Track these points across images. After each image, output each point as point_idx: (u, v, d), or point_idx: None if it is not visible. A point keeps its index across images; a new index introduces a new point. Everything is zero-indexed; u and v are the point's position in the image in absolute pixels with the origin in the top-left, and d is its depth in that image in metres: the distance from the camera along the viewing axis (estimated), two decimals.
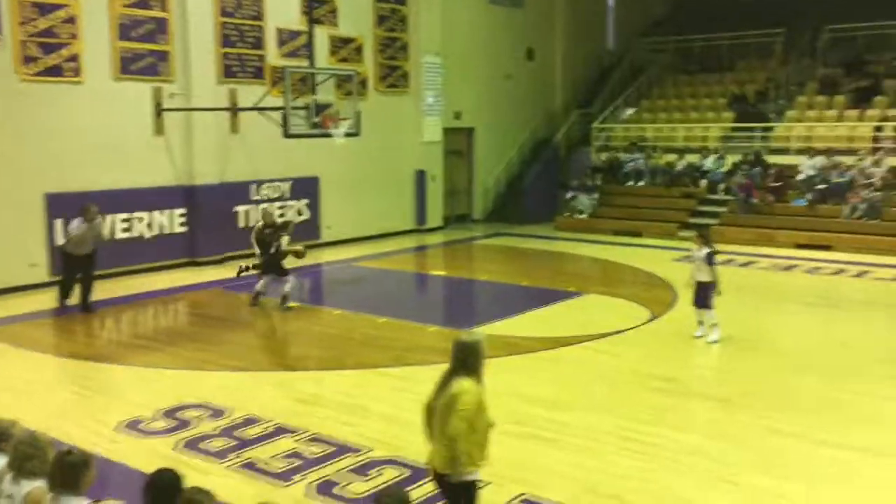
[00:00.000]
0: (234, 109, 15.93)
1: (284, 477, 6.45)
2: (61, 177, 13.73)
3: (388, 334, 10.96)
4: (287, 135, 14.23)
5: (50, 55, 13.56)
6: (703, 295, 10.21)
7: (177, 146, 15.53)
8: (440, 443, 4.71)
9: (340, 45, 18.33)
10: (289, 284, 12.32)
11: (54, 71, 13.64)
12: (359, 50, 18.79)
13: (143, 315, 12.49)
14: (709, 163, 20.60)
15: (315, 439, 7.18)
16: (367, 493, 6.08)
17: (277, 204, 16.88)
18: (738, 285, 13.07)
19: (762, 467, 6.62)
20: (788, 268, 15.74)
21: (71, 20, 13.80)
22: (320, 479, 6.40)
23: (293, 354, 10.84)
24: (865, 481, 6.39)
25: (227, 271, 15.24)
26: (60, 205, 13.52)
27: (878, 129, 19.28)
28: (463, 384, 4.65)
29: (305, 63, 15.67)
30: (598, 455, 6.88)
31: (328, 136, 14.58)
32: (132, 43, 14.65)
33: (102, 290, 12.65)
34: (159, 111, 15.07)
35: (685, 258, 12.15)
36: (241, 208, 16.53)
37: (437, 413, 4.75)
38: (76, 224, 11.91)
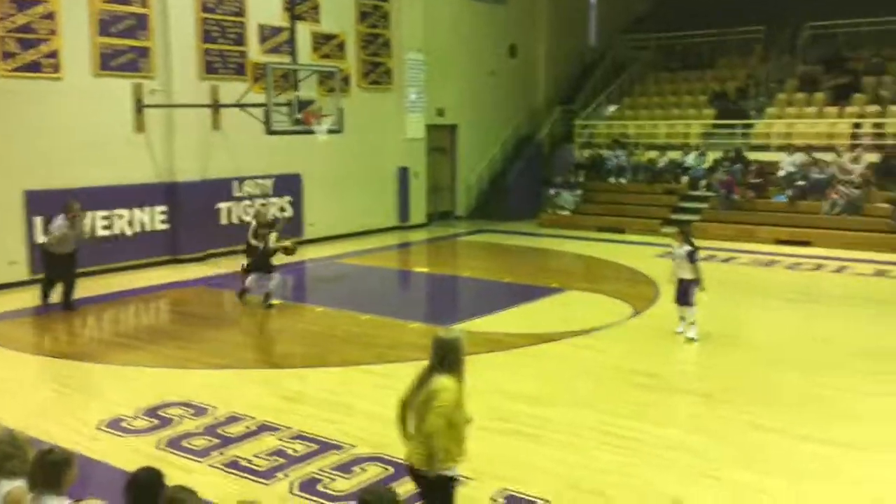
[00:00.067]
0: (215, 106, 15.85)
1: (268, 475, 6.43)
2: (41, 174, 13.61)
3: (371, 331, 10.95)
4: (269, 131, 14.20)
5: (28, 51, 13.43)
6: (685, 292, 10.25)
7: (158, 143, 15.43)
8: (417, 439, 4.72)
9: (323, 42, 18.28)
10: (273, 282, 12.27)
11: (33, 67, 13.51)
12: (341, 46, 18.74)
13: (124, 313, 12.41)
14: (690, 159, 20.71)
15: (298, 437, 7.17)
16: (350, 491, 6.09)
17: (260, 201, 16.83)
18: (720, 281, 13.14)
19: (744, 462, 6.67)
20: (769, 263, 15.87)
21: (50, 16, 13.67)
22: (304, 476, 6.39)
23: (276, 352, 10.80)
24: (846, 476, 6.45)
25: (210, 269, 15.23)
26: (40, 202, 13.41)
27: (857, 125, 19.45)
28: (442, 381, 4.65)
29: (287, 59, 15.65)
30: (581, 450, 6.91)
31: (311, 132, 14.56)
32: (112, 39, 14.54)
33: (83, 288, 12.54)
34: (140, 108, 14.96)
35: (667, 254, 12.20)
36: (223, 205, 16.46)
37: (415, 409, 4.76)
38: (58, 222, 11.80)
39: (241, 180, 16.74)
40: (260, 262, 12.28)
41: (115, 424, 7.52)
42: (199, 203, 15.86)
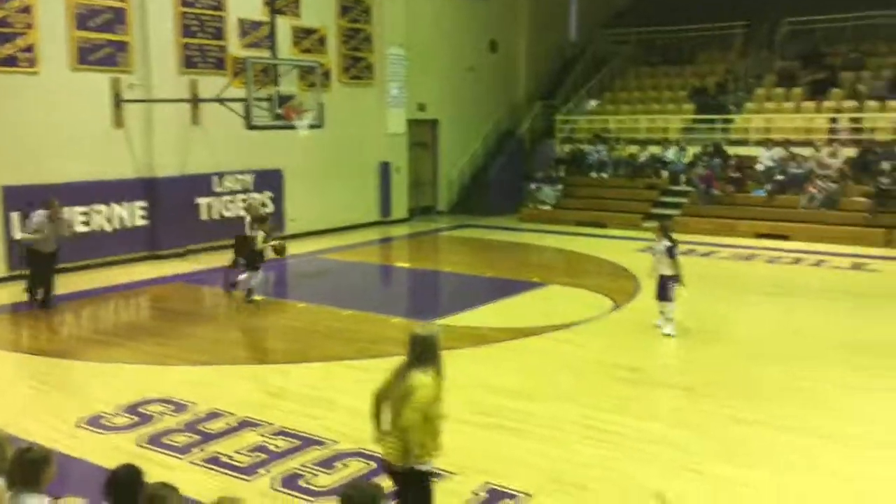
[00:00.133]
0: (195, 101, 15.73)
1: (249, 471, 6.41)
2: (18, 169, 13.44)
3: (352, 326, 10.92)
4: (249, 126, 14.10)
5: (4, 45, 13.26)
6: (664, 287, 10.27)
7: (137, 138, 15.30)
8: (393, 434, 4.72)
9: (303, 36, 18.18)
10: (256, 278, 12.21)
11: (9, 61, 13.34)
12: (322, 41, 18.65)
13: (103, 310, 12.31)
14: (670, 154, 20.82)
15: (280, 433, 7.14)
16: (332, 486, 6.07)
17: (241, 196, 16.76)
18: (700, 275, 13.22)
19: (725, 455, 6.71)
20: (748, 257, 15.98)
21: (26, 10, 13.50)
22: (285, 472, 6.37)
23: (257, 348, 10.76)
24: (826, 468, 6.51)
25: (190, 264, 15.13)
26: (17, 198, 13.27)
27: (834, 120, 19.62)
28: (420, 377, 4.66)
29: (268, 54, 15.54)
30: (563, 444, 6.93)
31: (291, 127, 14.48)
32: (90, 33, 14.39)
33: (61, 285, 12.42)
34: (118, 102, 14.83)
35: (647, 249, 12.27)
36: (202, 201, 16.35)
37: (391, 404, 4.76)
38: (36, 218, 11.64)
39: (221, 175, 16.64)
40: (249, 258, 12.21)
41: (95, 422, 7.46)
42: (178, 198, 15.74)
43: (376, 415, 4.87)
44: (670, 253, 10.17)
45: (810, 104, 20.45)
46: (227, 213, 16.68)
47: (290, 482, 6.21)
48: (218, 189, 16.60)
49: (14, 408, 7.82)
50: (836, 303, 12.39)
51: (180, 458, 6.65)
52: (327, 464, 6.51)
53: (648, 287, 11.13)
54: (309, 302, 12.40)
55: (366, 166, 19.99)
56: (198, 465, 6.53)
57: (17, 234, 12.92)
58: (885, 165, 17.84)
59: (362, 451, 6.65)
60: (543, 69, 25.73)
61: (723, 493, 6.10)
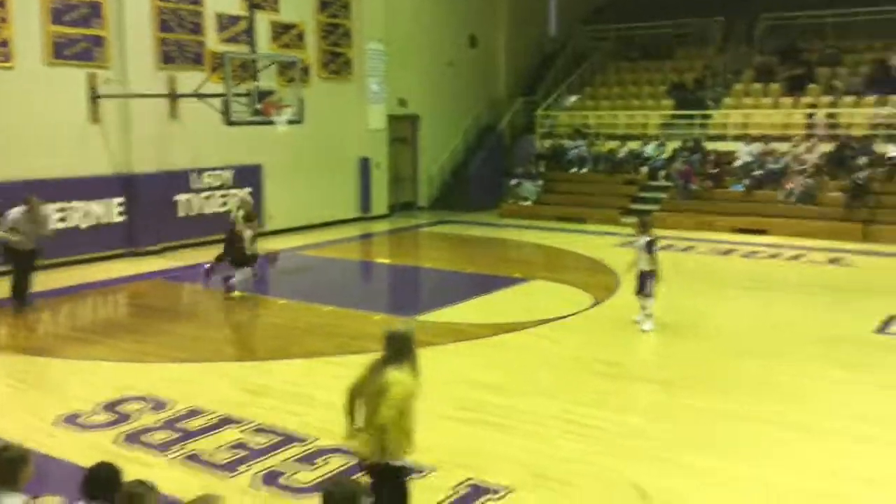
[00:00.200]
0: (172, 96, 15.61)
1: (229, 468, 6.37)
2: None
3: (332, 322, 10.89)
4: (228, 122, 14.02)
5: None
6: (643, 283, 10.30)
7: (113, 134, 15.16)
8: (367, 431, 4.71)
9: (282, 31, 18.08)
10: (238, 276, 12.13)
11: None
12: (301, 36, 18.56)
13: (81, 307, 12.19)
14: (650, 150, 20.91)
15: (260, 429, 7.11)
16: (313, 483, 6.06)
17: (220, 192, 16.66)
18: (679, 270, 13.32)
19: (703, 446, 6.77)
20: (726, 252, 16.09)
21: (0, 4, 13.33)
22: (266, 469, 6.35)
23: (237, 344, 10.71)
24: (802, 459, 6.58)
25: (168, 261, 15.02)
26: None
27: (811, 116, 19.78)
28: (396, 375, 4.66)
29: (246, 49, 15.44)
30: (544, 439, 6.95)
31: (270, 123, 14.41)
32: (65, 27, 14.23)
33: (38, 282, 12.27)
34: (95, 97, 14.69)
35: (628, 244, 12.33)
36: (181, 197, 16.23)
37: (366, 400, 4.75)
38: (13, 215, 11.46)
39: (200, 172, 16.53)
40: (237, 254, 12.15)
41: (73, 420, 7.39)
42: (156, 195, 15.62)
43: (350, 411, 4.87)
44: (649, 248, 10.20)
45: (788, 100, 20.61)
46: (206, 210, 16.59)
47: (271, 479, 6.18)
48: (196, 185, 16.49)
49: None
50: (813, 297, 12.51)
51: (159, 456, 6.60)
52: (308, 460, 6.49)
53: (628, 282, 11.18)
54: (289, 298, 12.35)
55: (346, 162, 19.93)
56: (177, 462, 6.49)
57: None
58: (861, 160, 18.03)
59: (343, 447, 6.62)
60: (523, 64, 25.77)
61: (702, 485, 6.14)
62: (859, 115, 19.35)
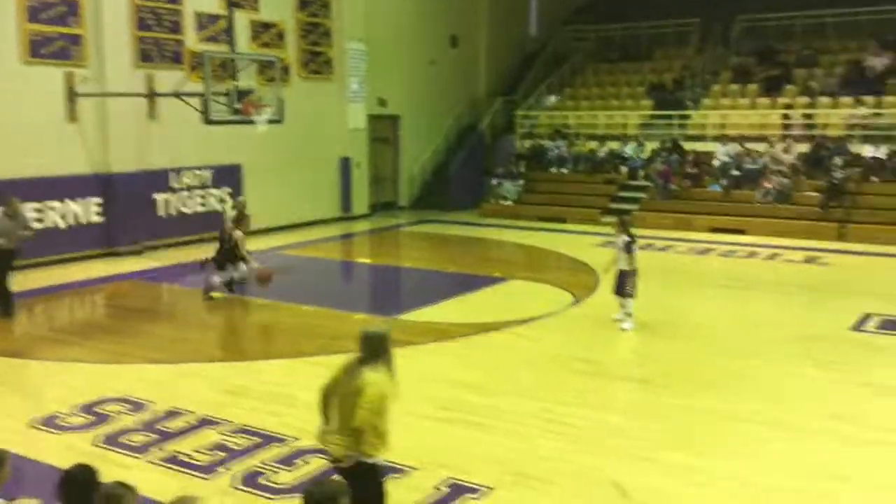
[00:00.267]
0: (151, 95, 15.51)
1: (209, 469, 6.35)
2: None
3: (313, 322, 10.88)
4: (208, 121, 13.95)
5: None
6: (622, 283, 10.36)
7: (91, 133, 15.04)
8: (341, 431, 4.71)
9: (262, 30, 18.02)
10: (220, 278, 12.07)
11: None
12: (281, 35, 18.50)
13: (58, 308, 12.09)
14: (629, 150, 21.02)
15: (240, 430, 7.09)
16: (293, 483, 6.05)
17: (199, 192, 16.57)
18: (658, 269, 13.40)
19: (682, 445, 6.82)
20: (704, 251, 16.22)
21: None
22: (246, 470, 6.33)
23: (217, 345, 10.66)
24: (777, 455, 6.65)
25: (147, 262, 14.93)
26: None
27: (788, 116, 19.97)
28: (371, 376, 4.66)
29: (225, 48, 15.37)
30: (524, 438, 6.98)
31: (250, 122, 14.36)
32: (42, 26, 14.11)
33: (15, 283, 12.15)
34: (72, 96, 14.56)
35: (608, 243, 12.40)
36: (160, 196, 16.13)
37: (339, 400, 4.75)
38: None
39: (179, 171, 16.43)
40: (229, 255, 12.10)
41: (50, 422, 7.34)
42: (135, 194, 15.52)
43: (324, 411, 4.88)
44: (628, 248, 10.27)
45: (765, 100, 20.79)
46: (185, 210, 16.50)
47: (251, 480, 6.17)
48: (175, 185, 16.40)
49: None
50: (790, 296, 12.63)
51: (138, 458, 6.57)
52: (288, 461, 6.48)
53: (607, 281, 11.23)
54: (269, 299, 12.31)
55: (326, 162, 19.89)
56: (156, 464, 6.46)
57: None
58: (837, 160, 18.22)
59: (323, 447, 6.62)
60: (504, 64, 25.81)
61: (680, 481, 6.19)
62: (835, 115, 19.55)
